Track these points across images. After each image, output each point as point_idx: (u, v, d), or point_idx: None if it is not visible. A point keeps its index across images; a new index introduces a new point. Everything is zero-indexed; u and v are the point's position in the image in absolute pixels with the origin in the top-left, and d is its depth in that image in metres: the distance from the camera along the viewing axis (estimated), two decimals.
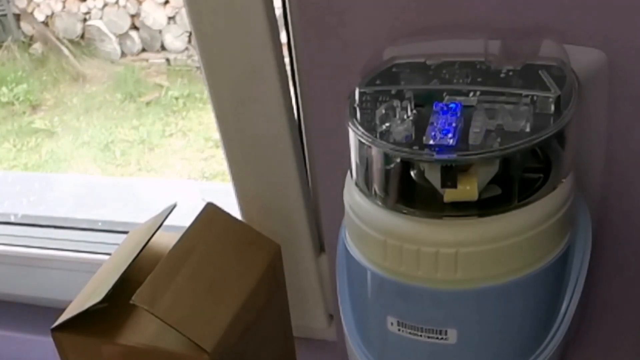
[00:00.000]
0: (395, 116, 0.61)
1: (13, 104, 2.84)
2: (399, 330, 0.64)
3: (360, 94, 0.63)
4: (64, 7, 3.02)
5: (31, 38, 3.01)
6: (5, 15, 2.99)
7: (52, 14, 3.03)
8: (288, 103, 0.86)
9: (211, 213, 0.84)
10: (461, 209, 0.60)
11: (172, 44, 2.95)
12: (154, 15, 2.94)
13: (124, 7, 2.96)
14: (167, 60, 2.94)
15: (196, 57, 2.24)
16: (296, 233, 0.96)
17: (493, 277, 0.60)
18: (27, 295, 1.21)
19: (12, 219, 1.29)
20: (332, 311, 1.04)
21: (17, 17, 3.02)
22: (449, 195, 0.60)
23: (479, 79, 0.63)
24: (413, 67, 0.66)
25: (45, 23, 3.05)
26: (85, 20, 3.00)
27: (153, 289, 0.75)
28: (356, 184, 0.64)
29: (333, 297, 1.00)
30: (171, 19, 2.95)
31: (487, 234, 0.59)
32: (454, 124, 0.58)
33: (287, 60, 0.85)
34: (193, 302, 0.76)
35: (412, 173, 0.64)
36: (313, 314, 1.04)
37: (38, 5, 3.03)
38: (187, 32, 2.90)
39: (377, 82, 0.65)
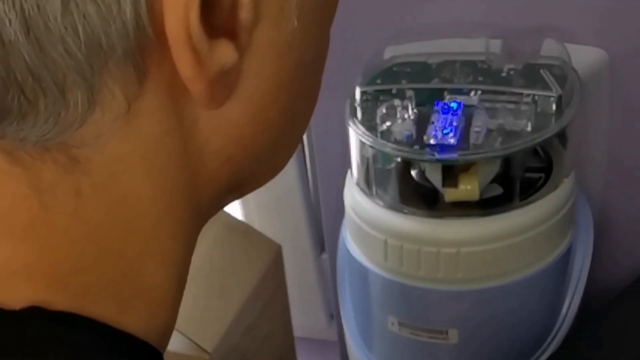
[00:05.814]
0: (396, 115, 0.60)
1: None
2: (400, 330, 0.64)
3: (361, 93, 0.63)
4: None
5: None
6: None
7: None
8: None
9: None
10: (462, 208, 0.60)
11: None
12: None
13: None
14: None
15: None
16: (296, 233, 0.96)
17: (494, 277, 0.60)
18: None
19: None
20: (332, 311, 1.04)
21: None
22: (450, 194, 0.60)
23: (480, 78, 0.63)
24: (414, 66, 0.66)
25: None
26: None
27: None
28: (357, 184, 0.64)
29: (334, 297, 1.00)
30: None
31: (489, 233, 0.59)
32: (455, 123, 0.58)
33: None
34: (194, 303, 0.76)
35: (412, 172, 0.63)
36: (314, 313, 1.04)
37: None
38: None
39: (378, 81, 0.65)
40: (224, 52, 0.28)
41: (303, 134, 0.39)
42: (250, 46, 0.29)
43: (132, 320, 0.31)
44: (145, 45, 0.27)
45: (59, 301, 0.30)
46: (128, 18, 0.26)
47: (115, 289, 0.31)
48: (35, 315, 0.29)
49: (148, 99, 0.29)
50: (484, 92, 0.61)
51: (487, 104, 0.60)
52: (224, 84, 0.29)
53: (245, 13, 0.28)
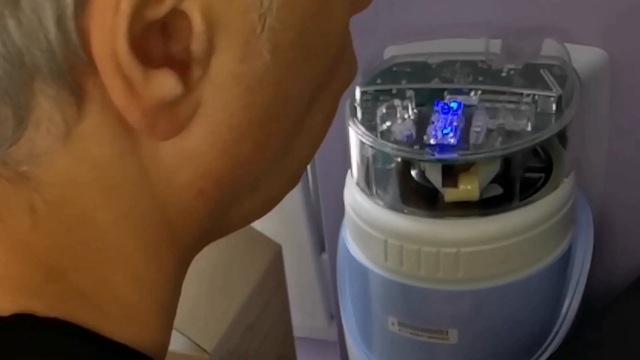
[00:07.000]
0: (396, 115, 0.60)
1: None
2: (400, 330, 0.64)
3: (361, 93, 0.63)
4: None
5: None
6: None
7: None
8: None
9: None
10: (462, 208, 0.60)
11: None
12: None
13: None
14: None
15: None
16: (296, 233, 0.96)
17: (494, 277, 0.60)
18: None
19: None
20: (332, 311, 1.04)
21: None
22: (450, 194, 0.60)
23: (480, 78, 0.63)
24: (414, 66, 0.66)
25: None
26: None
27: None
28: (357, 184, 0.64)
29: (334, 297, 1.00)
30: None
31: (489, 233, 0.59)
32: (455, 123, 0.58)
33: None
34: (193, 303, 0.76)
35: (412, 172, 0.63)
36: (314, 313, 1.04)
37: None
38: None
39: (378, 81, 0.65)
40: (164, 84, 0.27)
41: (302, 168, 0.37)
42: (210, 79, 0.28)
43: (117, 331, 0.30)
44: (80, 67, 0.26)
45: (38, 309, 0.29)
46: (53, 37, 0.25)
47: (92, 299, 0.30)
48: (25, 321, 0.29)
49: (93, 122, 0.27)
50: (484, 92, 0.61)
51: (487, 104, 0.60)
52: (169, 116, 0.28)
53: (197, 44, 0.27)
